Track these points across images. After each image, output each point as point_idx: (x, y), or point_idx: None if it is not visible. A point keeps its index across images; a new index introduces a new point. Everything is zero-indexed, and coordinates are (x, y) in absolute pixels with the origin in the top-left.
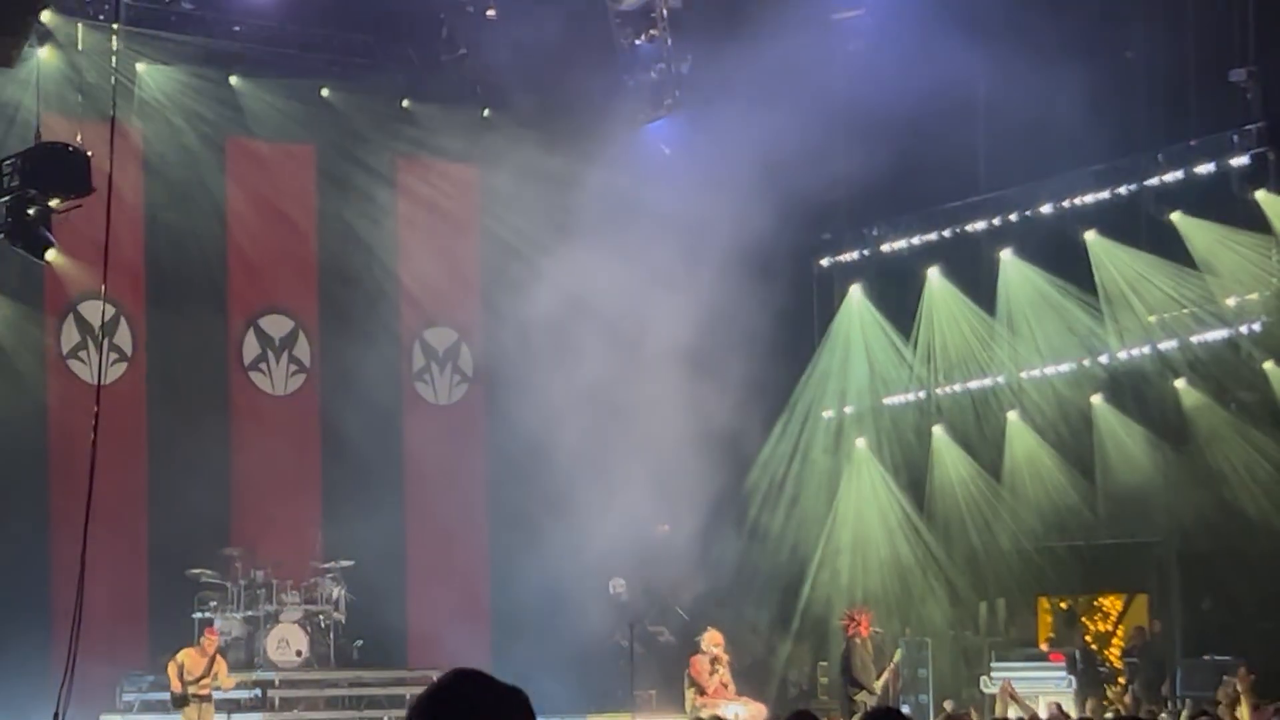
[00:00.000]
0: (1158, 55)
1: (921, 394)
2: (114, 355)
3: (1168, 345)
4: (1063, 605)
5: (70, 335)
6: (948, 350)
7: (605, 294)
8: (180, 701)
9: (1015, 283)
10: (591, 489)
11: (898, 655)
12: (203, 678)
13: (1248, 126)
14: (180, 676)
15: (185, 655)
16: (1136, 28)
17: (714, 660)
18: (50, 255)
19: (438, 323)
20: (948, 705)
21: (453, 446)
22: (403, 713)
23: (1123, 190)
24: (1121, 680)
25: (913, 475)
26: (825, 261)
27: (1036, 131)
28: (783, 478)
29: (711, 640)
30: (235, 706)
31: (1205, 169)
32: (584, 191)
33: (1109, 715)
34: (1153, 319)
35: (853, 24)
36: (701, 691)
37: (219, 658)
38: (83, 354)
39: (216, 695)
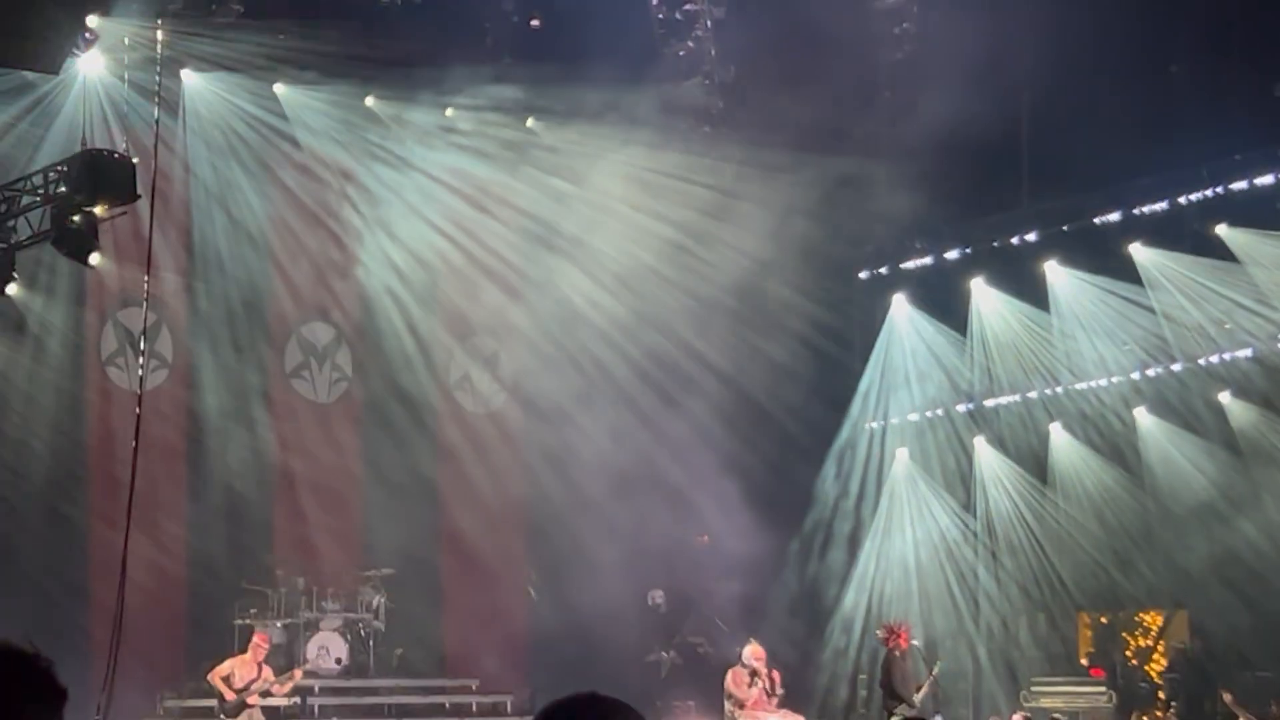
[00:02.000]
0: (1203, 70)
1: (968, 405)
2: (155, 362)
3: (1217, 358)
4: (1103, 620)
5: (109, 341)
6: (994, 361)
7: (644, 304)
8: (236, 709)
9: (1062, 293)
10: (630, 498)
11: (937, 668)
12: (252, 683)
13: None
14: (230, 685)
15: (235, 663)
16: (1182, 42)
17: (753, 673)
18: (94, 260)
19: (476, 331)
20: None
21: (490, 454)
22: None
23: (1167, 204)
24: (1162, 695)
25: (956, 486)
26: (865, 274)
27: (1081, 144)
28: (824, 489)
29: (753, 653)
30: (275, 714)
31: (1250, 183)
32: (627, 201)
33: None
34: (1211, 330)
35: (897, 34)
36: (740, 704)
37: (265, 665)
38: (120, 360)
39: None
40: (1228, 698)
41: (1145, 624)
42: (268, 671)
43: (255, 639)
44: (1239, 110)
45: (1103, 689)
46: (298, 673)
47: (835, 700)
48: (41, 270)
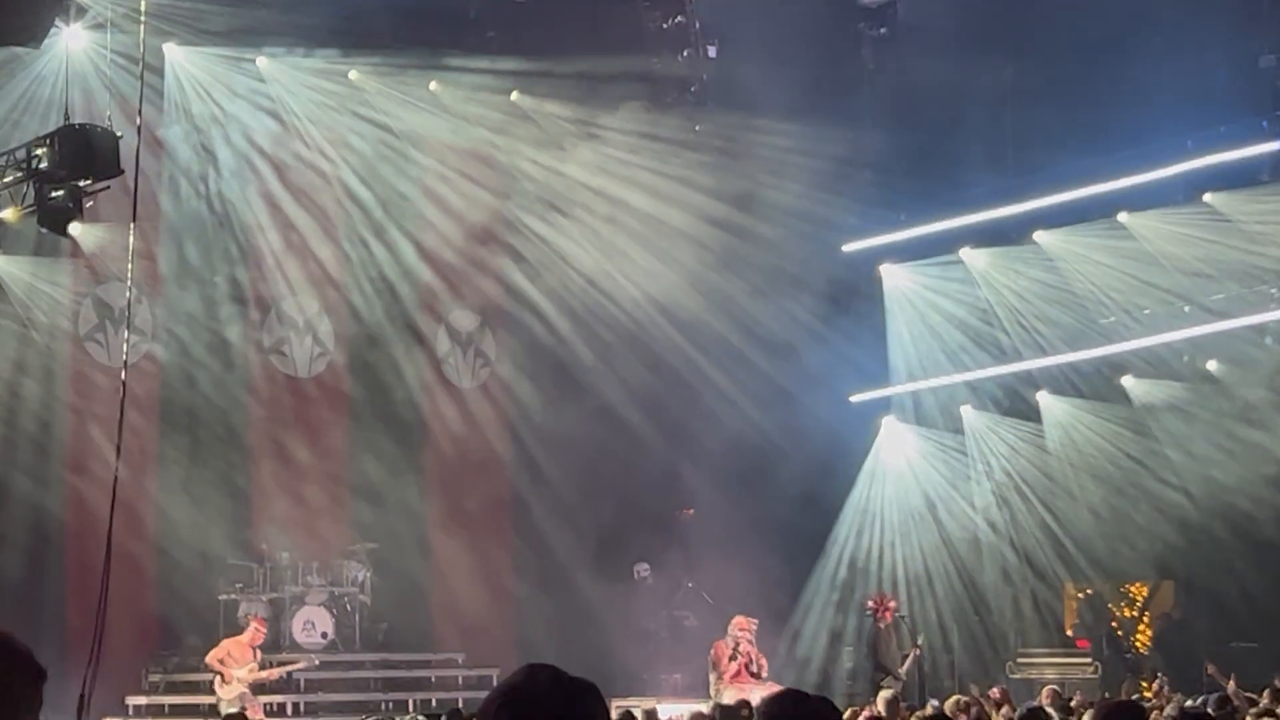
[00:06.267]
0: (1187, 41)
1: (958, 373)
2: (135, 337)
3: (1206, 327)
4: (1088, 591)
5: (89, 316)
6: (985, 328)
7: (629, 281)
8: (232, 691)
9: (1061, 260)
10: (616, 472)
11: (921, 640)
12: (248, 669)
13: (1277, 113)
14: (227, 666)
15: (231, 645)
16: (1166, 14)
17: (736, 645)
18: (73, 230)
19: (461, 306)
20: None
21: (477, 428)
22: (428, 696)
23: (1152, 176)
24: (1147, 666)
25: (944, 456)
26: (850, 247)
27: (1066, 115)
28: (808, 461)
29: (737, 625)
30: (260, 689)
31: (1234, 155)
32: (611, 176)
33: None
34: (1220, 297)
35: (881, 10)
36: (721, 676)
37: (257, 651)
38: (100, 336)
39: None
40: (1211, 669)
41: (1131, 595)
42: (259, 655)
43: (254, 624)
44: (1223, 82)
45: (1088, 660)
46: (274, 673)
47: (821, 672)
48: (19, 242)
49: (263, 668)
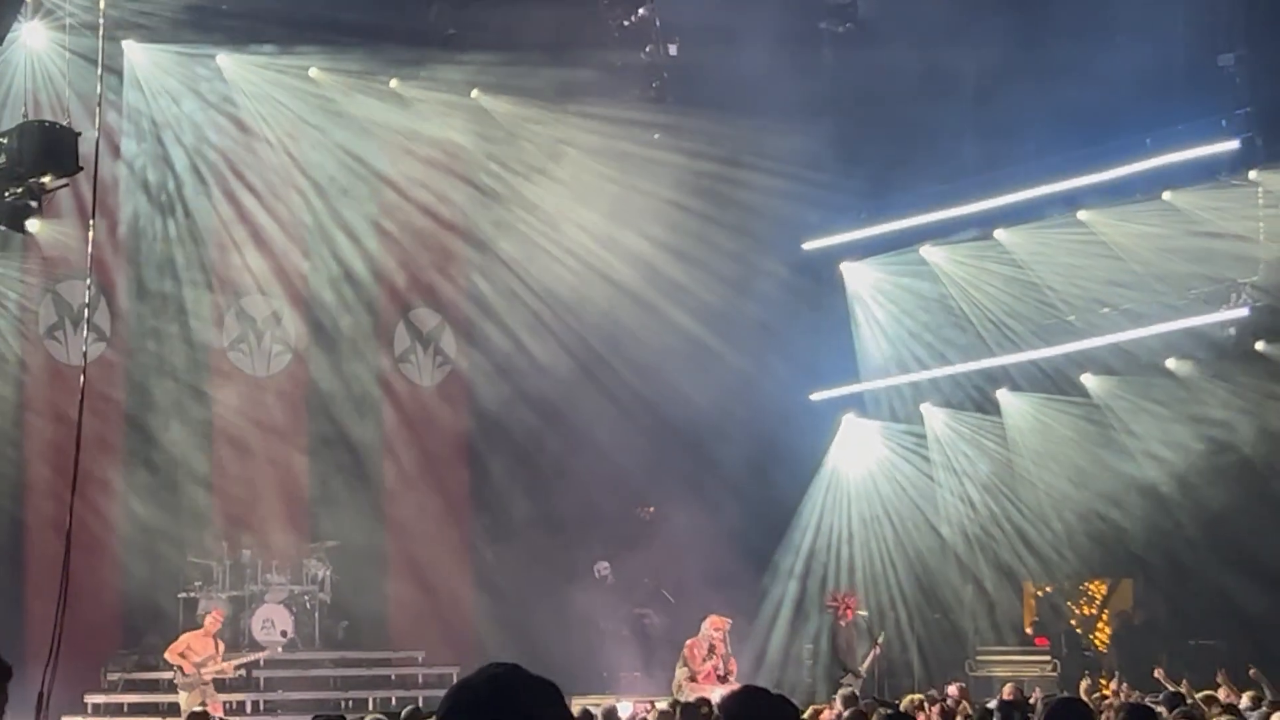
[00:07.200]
0: (1147, 39)
1: (922, 372)
2: (93, 335)
3: (1166, 324)
4: (1047, 589)
5: (49, 314)
6: (948, 326)
7: (588, 279)
8: (193, 683)
9: (1022, 257)
10: (576, 471)
11: (881, 638)
12: (209, 659)
13: (1236, 111)
14: (187, 660)
15: (191, 639)
16: (1126, 12)
17: (711, 646)
18: (32, 227)
19: (421, 304)
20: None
21: (437, 428)
22: (388, 694)
23: (1111, 174)
24: (1106, 664)
25: (905, 454)
26: (811, 244)
27: (1027, 112)
28: (768, 459)
29: (711, 624)
30: (220, 686)
31: (1193, 154)
32: (572, 173)
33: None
34: (1181, 293)
35: (843, 8)
36: (692, 676)
37: (219, 641)
38: (59, 333)
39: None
40: (1158, 673)
41: (1090, 592)
42: (221, 646)
43: (212, 614)
44: (1182, 80)
45: (1048, 657)
46: (233, 665)
47: (780, 669)
48: None
49: (223, 660)
